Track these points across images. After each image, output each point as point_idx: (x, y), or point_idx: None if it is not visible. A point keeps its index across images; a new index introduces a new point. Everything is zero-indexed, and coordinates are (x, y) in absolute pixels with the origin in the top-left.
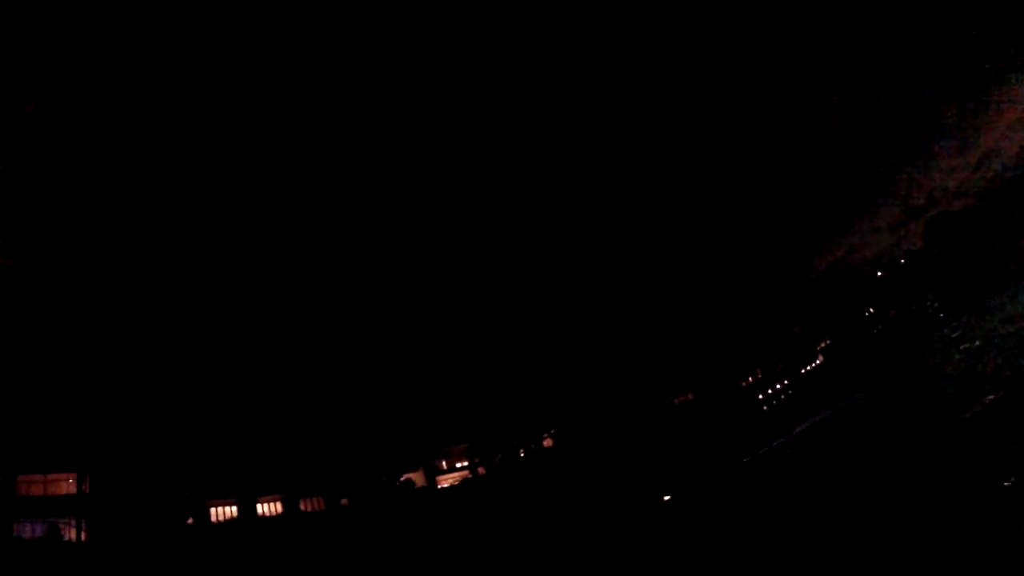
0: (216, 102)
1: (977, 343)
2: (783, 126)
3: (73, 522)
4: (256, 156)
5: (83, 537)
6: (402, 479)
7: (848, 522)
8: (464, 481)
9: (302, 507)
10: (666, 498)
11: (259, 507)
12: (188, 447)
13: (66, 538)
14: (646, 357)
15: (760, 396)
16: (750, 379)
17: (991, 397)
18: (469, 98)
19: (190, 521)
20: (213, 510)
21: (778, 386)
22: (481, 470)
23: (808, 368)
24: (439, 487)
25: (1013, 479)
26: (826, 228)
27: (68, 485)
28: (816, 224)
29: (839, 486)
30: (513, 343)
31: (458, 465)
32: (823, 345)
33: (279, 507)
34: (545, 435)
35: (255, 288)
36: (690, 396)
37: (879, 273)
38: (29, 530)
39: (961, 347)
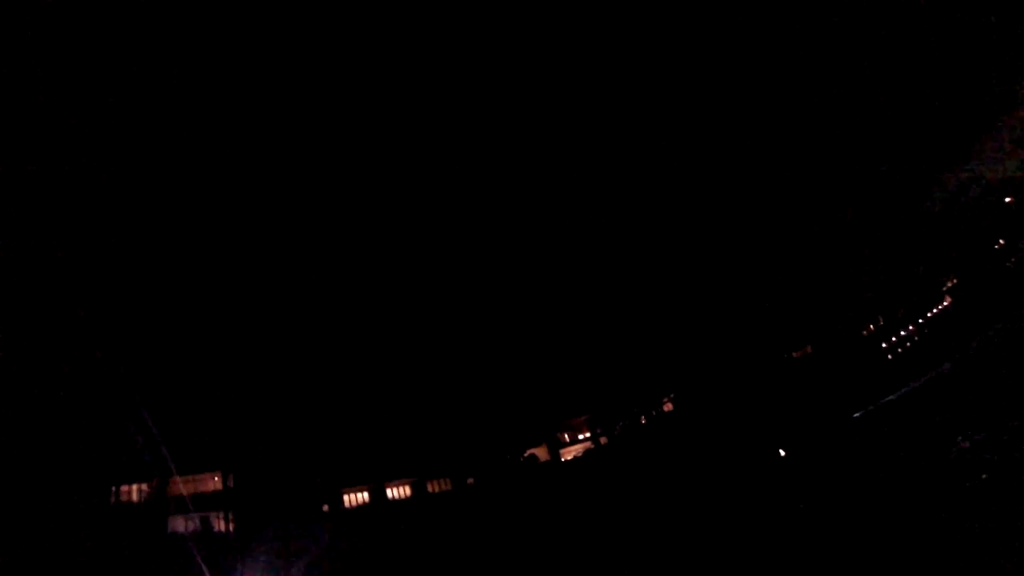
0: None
1: None
2: (889, 37)
3: (222, 515)
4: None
5: (231, 528)
6: (526, 455)
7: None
8: (587, 452)
9: (430, 489)
10: (782, 453)
11: (389, 491)
12: (321, 438)
13: (216, 530)
14: (763, 311)
15: (883, 345)
16: (871, 327)
17: None
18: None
19: (325, 508)
20: (346, 496)
21: (902, 333)
22: (603, 440)
23: (934, 311)
24: (563, 460)
25: None
26: (943, 152)
27: (215, 482)
28: (931, 148)
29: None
30: (627, 308)
31: (580, 437)
32: (950, 285)
33: (408, 491)
34: (665, 399)
35: (370, 280)
36: (808, 349)
37: (1008, 199)
38: (183, 525)
39: None
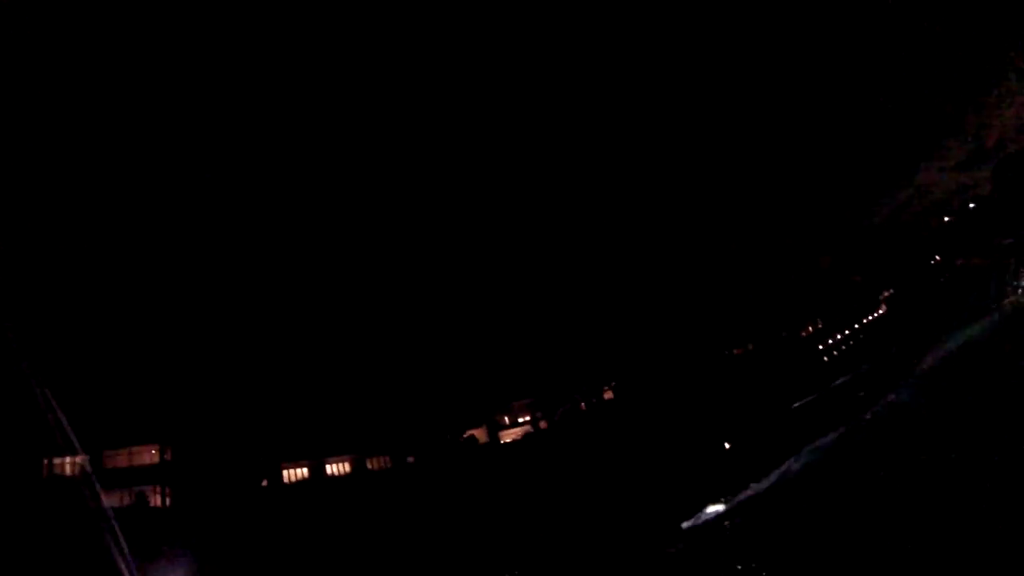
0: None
1: None
2: (844, 64)
3: (158, 489)
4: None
5: (167, 503)
6: (466, 435)
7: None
8: (526, 436)
9: (369, 466)
10: (726, 446)
11: (329, 467)
12: (260, 413)
13: (152, 504)
14: (705, 309)
15: (820, 347)
16: (810, 329)
17: None
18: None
19: (264, 483)
20: (285, 472)
21: (838, 336)
22: (543, 424)
23: (870, 318)
24: (502, 442)
25: None
26: (889, 172)
27: (151, 456)
28: (879, 168)
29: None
30: (572, 297)
31: (520, 420)
32: (886, 295)
33: (348, 467)
34: (606, 388)
35: (320, 260)
36: (750, 347)
37: (946, 219)
38: (118, 499)
39: None
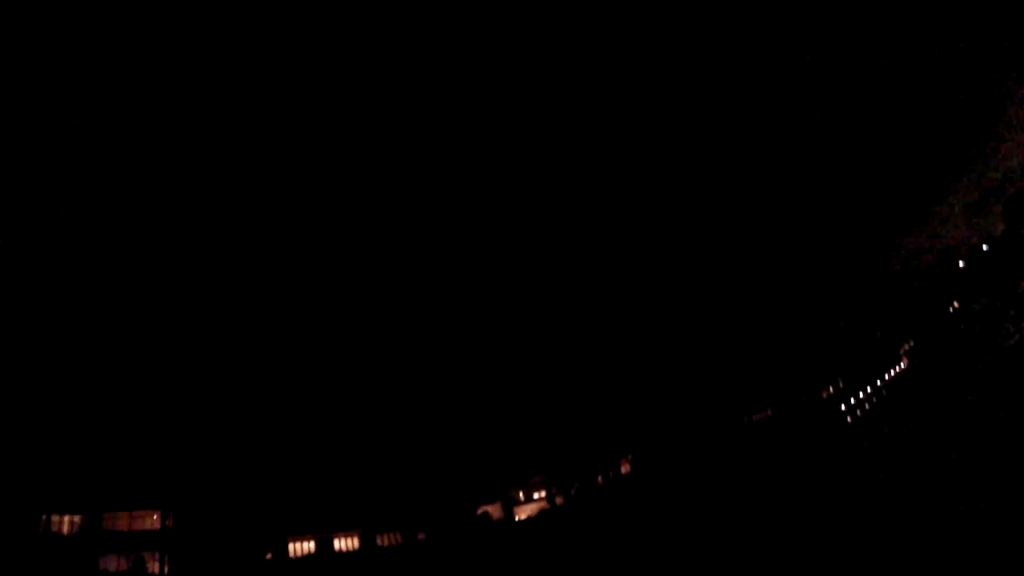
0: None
1: None
2: (843, 110)
3: (157, 556)
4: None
5: (166, 570)
6: (479, 511)
7: None
8: (542, 512)
9: (379, 542)
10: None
11: (336, 542)
12: (267, 484)
13: (150, 571)
14: (721, 374)
15: (842, 407)
16: (831, 389)
17: None
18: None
19: (268, 556)
20: (291, 545)
21: (861, 395)
22: (559, 500)
23: (892, 373)
24: (517, 519)
25: None
26: (899, 221)
27: (152, 521)
28: (888, 218)
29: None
30: (584, 369)
31: (535, 496)
32: (907, 348)
33: (356, 542)
34: (622, 460)
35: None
36: (768, 412)
37: (960, 264)
38: (115, 563)
39: None
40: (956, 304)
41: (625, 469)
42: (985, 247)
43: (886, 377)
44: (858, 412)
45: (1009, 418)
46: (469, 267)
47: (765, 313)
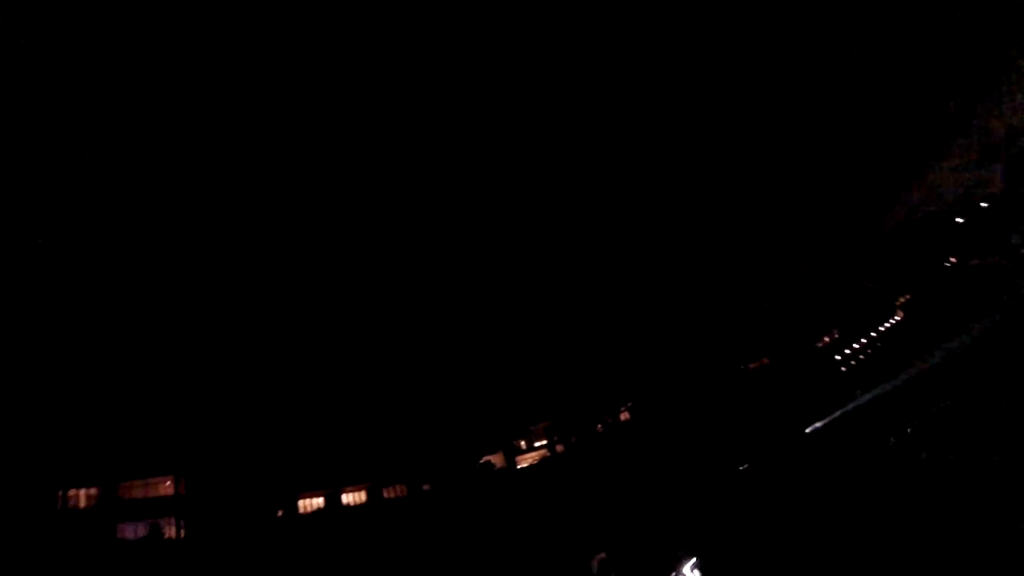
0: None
1: None
2: (844, 65)
3: (173, 521)
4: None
5: (182, 535)
6: (482, 461)
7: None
8: (543, 460)
9: (385, 495)
10: (742, 467)
11: (344, 497)
12: (275, 444)
13: (167, 536)
14: (719, 323)
15: (837, 357)
16: (826, 340)
17: None
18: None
19: (280, 514)
20: (301, 502)
21: (855, 346)
22: (560, 448)
23: (887, 325)
24: (519, 467)
25: None
26: (898, 175)
27: (167, 488)
28: (888, 171)
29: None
30: (584, 317)
31: (537, 444)
32: (902, 301)
33: (364, 496)
34: (622, 408)
35: (330, 282)
36: (765, 360)
37: (958, 220)
38: (132, 531)
39: None
40: (953, 259)
41: (625, 417)
42: (984, 204)
43: (881, 329)
44: (852, 363)
45: (1000, 374)
46: (472, 224)
47: (763, 263)
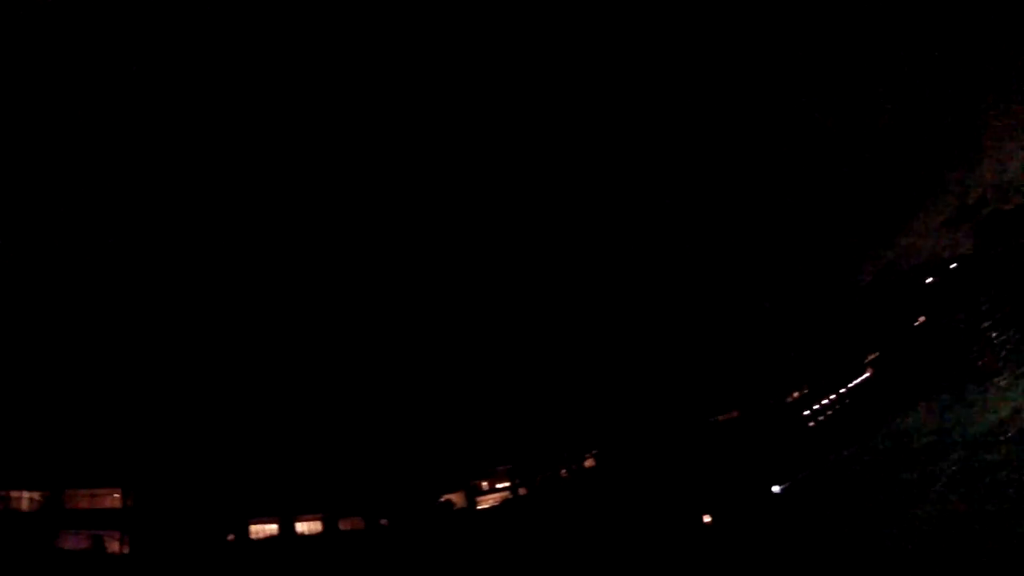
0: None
1: None
2: (819, 122)
3: (117, 535)
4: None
5: (126, 550)
6: (442, 500)
7: None
8: (505, 502)
9: (342, 527)
10: (707, 519)
11: (299, 526)
12: (230, 465)
13: (110, 550)
14: (690, 375)
15: (805, 413)
16: (795, 395)
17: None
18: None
19: (230, 537)
20: (253, 527)
21: (824, 402)
22: (523, 491)
23: (856, 382)
24: (480, 508)
25: None
26: (872, 234)
27: (113, 500)
28: (862, 229)
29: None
30: (555, 362)
31: (499, 486)
32: (871, 358)
33: (319, 526)
34: (587, 455)
35: (301, 305)
36: (735, 414)
37: (928, 280)
38: (74, 542)
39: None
40: (923, 319)
41: (590, 464)
42: (954, 265)
43: (850, 386)
44: (820, 418)
45: (963, 429)
46: (433, 256)
47: (734, 317)
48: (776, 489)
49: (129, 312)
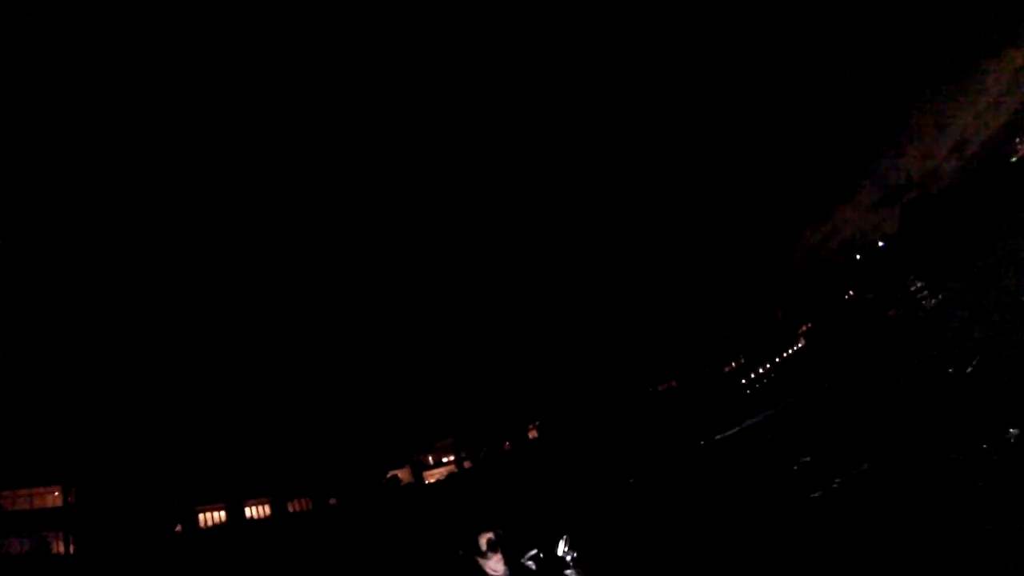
0: (216, 101)
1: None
2: (759, 113)
3: (61, 535)
4: (255, 155)
5: (71, 550)
6: (389, 476)
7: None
8: (450, 476)
9: (290, 509)
10: (631, 480)
11: (247, 510)
12: (173, 453)
13: (54, 551)
14: (631, 347)
15: (743, 380)
16: (733, 364)
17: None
18: (469, 98)
19: (179, 528)
20: (201, 515)
21: (760, 371)
22: (468, 464)
23: (790, 352)
24: (426, 482)
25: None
26: (805, 214)
27: (54, 498)
28: (796, 210)
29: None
30: (496, 336)
31: (444, 460)
32: (804, 329)
33: (267, 510)
34: (530, 426)
35: (238, 290)
36: (673, 383)
37: (858, 257)
38: (16, 545)
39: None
40: (851, 293)
41: (532, 435)
42: (881, 244)
43: (784, 355)
44: (757, 385)
45: (889, 394)
46: (387, 237)
47: (676, 293)
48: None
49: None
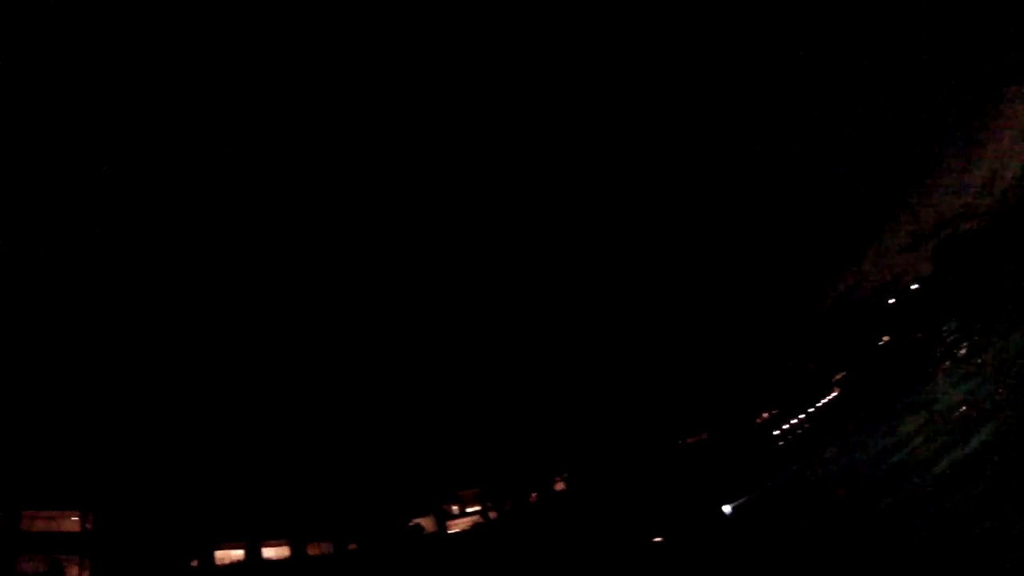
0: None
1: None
2: (784, 159)
3: (76, 560)
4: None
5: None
6: (412, 524)
7: None
8: (475, 526)
9: (310, 552)
10: (657, 539)
11: (266, 551)
12: (195, 488)
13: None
14: (660, 398)
15: (775, 432)
16: (764, 415)
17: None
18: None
19: (194, 564)
20: (218, 553)
21: (794, 421)
22: (493, 515)
23: (824, 401)
24: (450, 532)
25: None
26: (835, 258)
27: (72, 523)
28: (824, 255)
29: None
30: (525, 385)
31: (469, 510)
32: (838, 377)
33: (287, 551)
34: (557, 478)
35: (265, 321)
36: (703, 435)
37: (890, 301)
38: (31, 567)
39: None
40: (886, 338)
41: (560, 487)
42: (915, 286)
43: (818, 405)
44: (789, 437)
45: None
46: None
47: (704, 341)
48: (727, 509)
49: (89, 331)
